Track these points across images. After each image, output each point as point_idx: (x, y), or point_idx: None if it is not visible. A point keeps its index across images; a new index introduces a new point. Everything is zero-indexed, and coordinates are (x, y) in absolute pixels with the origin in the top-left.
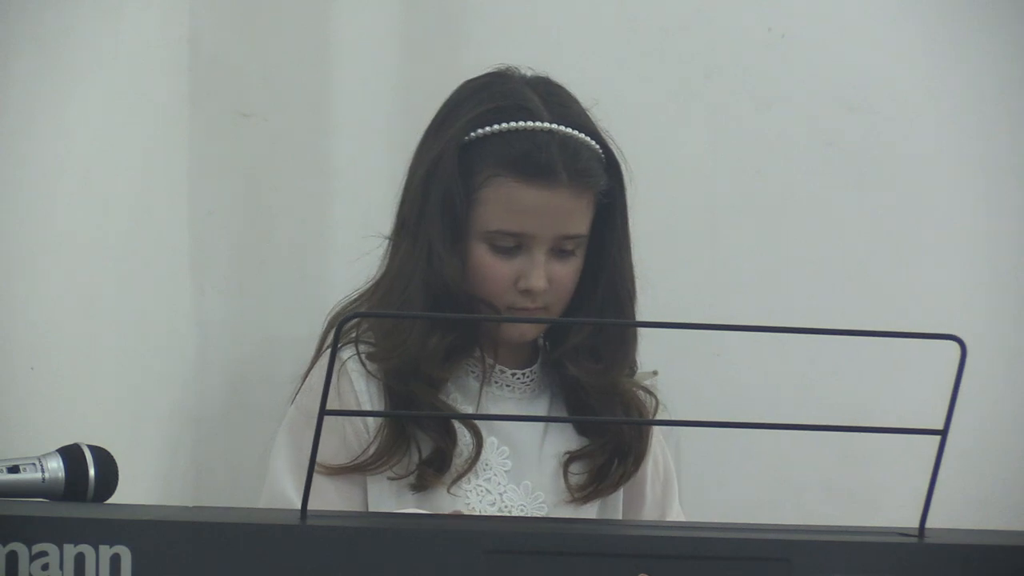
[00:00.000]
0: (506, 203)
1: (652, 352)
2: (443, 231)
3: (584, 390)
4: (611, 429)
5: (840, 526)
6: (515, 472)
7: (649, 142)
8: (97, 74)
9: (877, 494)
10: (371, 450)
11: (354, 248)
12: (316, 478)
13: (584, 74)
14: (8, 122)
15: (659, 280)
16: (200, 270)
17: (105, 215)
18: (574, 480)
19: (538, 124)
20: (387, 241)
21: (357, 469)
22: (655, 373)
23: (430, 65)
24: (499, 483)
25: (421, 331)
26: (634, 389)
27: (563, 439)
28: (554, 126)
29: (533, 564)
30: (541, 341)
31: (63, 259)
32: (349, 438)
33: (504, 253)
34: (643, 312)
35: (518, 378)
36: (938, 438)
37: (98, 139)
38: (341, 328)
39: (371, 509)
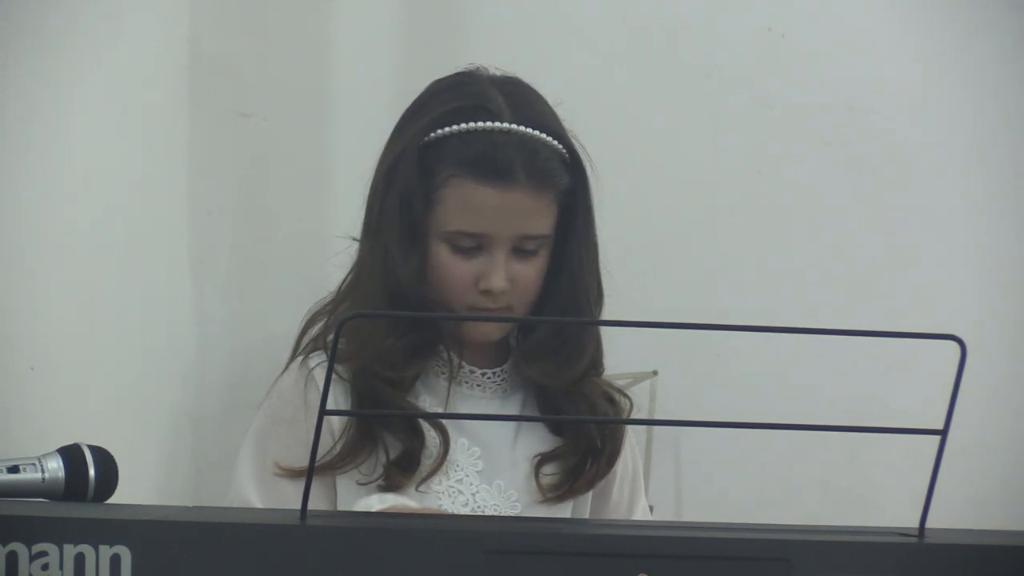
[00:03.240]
0: (464, 203)
1: (652, 352)
2: (400, 231)
3: (548, 392)
4: (583, 429)
5: (840, 526)
6: (487, 472)
7: (649, 142)
8: (97, 74)
9: (877, 494)
10: (336, 449)
11: (353, 248)
12: (278, 483)
13: (583, 74)
14: (8, 122)
15: (659, 280)
16: (200, 270)
17: (105, 215)
18: (546, 481)
19: (496, 124)
20: (357, 242)
21: (321, 470)
22: (655, 373)
23: (430, 65)
24: (471, 484)
25: (380, 332)
26: (603, 388)
27: (536, 439)
28: (513, 126)
29: (533, 564)
30: (512, 341)
31: (63, 259)
32: (311, 442)
33: (464, 253)
34: (643, 311)
35: (488, 377)
36: (938, 438)
37: (98, 139)
38: (341, 328)
39: (340, 510)
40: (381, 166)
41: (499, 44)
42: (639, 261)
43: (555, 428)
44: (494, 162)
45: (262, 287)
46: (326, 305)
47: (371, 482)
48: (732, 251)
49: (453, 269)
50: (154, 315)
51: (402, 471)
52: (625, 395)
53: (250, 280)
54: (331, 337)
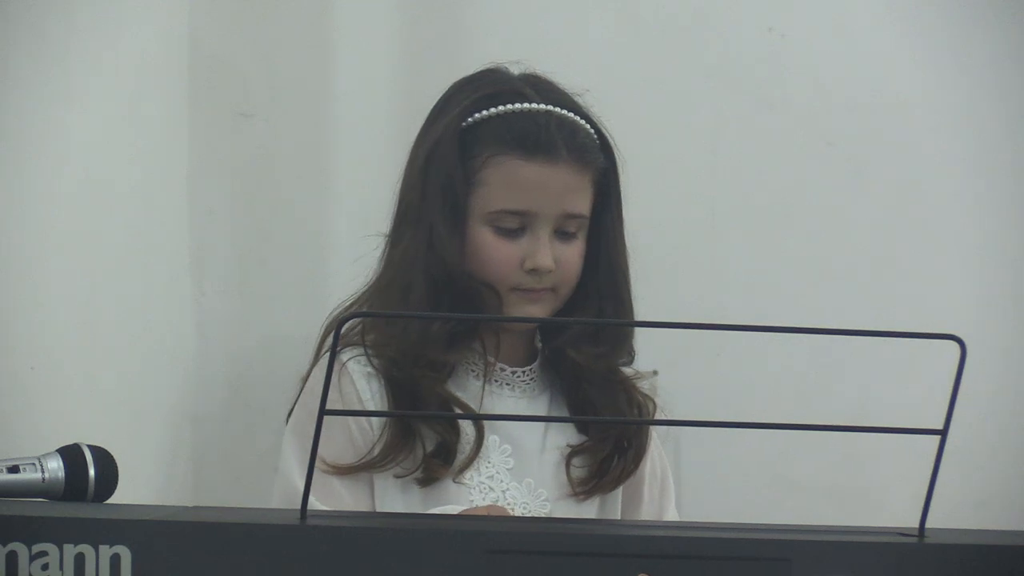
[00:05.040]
0: (509, 181)
1: (652, 352)
2: (444, 215)
3: (586, 381)
4: (610, 426)
5: (840, 526)
6: (517, 470)
7: (649, 142)
8: (97, 74)
9: (877, 494)
10: (376, 450)
11: (354, 248)
12: (327, 478)
13: (584, 74)
14: (8, 122)
15: (659, 280)
16: (200, 270)
17: (105, 215)
18: (576, 474)
19: (536, 105)
20: (385, 239)
21: (364, 468)
22: (655, 373)
23: (430, 65)
24: (502, 480)
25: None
26: (632, 387)
27: (564, 436)
28: (551, 107)
29: (533, 564)
30: (538, 342)
31: (63, 259)
32: (355, 436)
33: (508, 235)
34: (643, 311)
35: (518, 376)
36: (938, 438)
37: (98, 139)
38: (340, 329)
39: (378, 506)
40: (416, 160)
41: (498, 44)
42: (640, 261)
43: (582, 426)
44: (538, 139)
45: (262, 287)
46: (349, 306)
47: (409, 475)
48: (732, 251)
49: (498, 251)
50: (154, 315)
51: (441, 462)
52: (650, 397)
53: (250, 280)
54: (353, 334)
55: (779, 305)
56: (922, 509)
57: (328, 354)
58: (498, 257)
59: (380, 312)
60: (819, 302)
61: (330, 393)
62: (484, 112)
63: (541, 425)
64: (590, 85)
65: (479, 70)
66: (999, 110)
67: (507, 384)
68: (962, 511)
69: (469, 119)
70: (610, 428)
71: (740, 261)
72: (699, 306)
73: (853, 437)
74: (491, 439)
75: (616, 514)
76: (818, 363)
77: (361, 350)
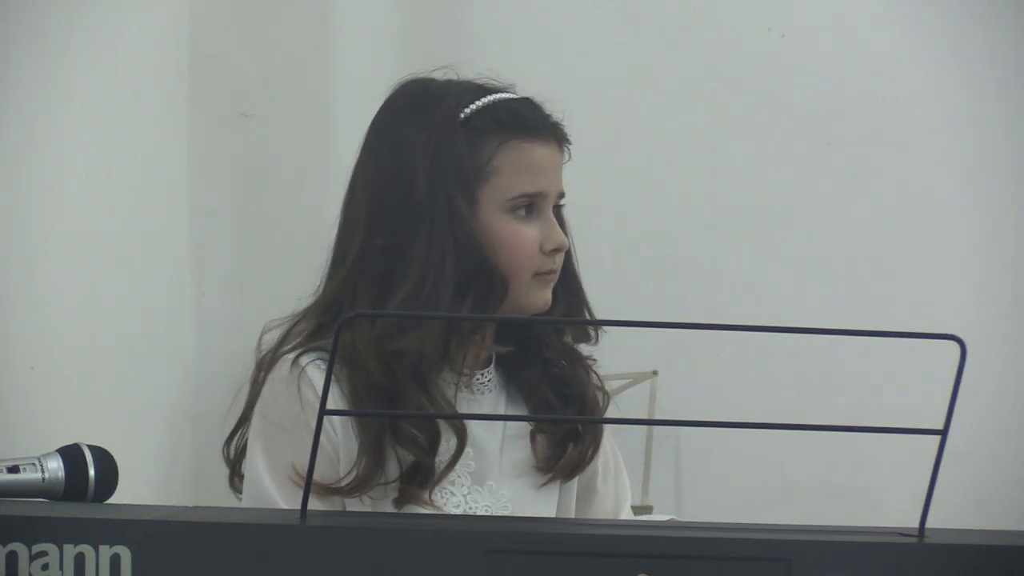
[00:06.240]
0: (522, 165)
1: (652, 352)
2: (465, 211)
3: (553, 366)
4: (566, 415)
5: (840, 526)
6: (478, 474)
7: (649, 142)
8: (97, 74)
9: (877, 494)
10: (345, 482)
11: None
12: (296, 489)
13: (584, 73)
14: (8, 122)
15: (659, 280)
16: (200, 270)
17: (105, 215)
18: (541, 450)
19: (512, 94)
20: (358, 249)
21: (336, 493)
22: (655, 373)
23: (430, 65)
24: (463, 485)
25: (433, 324)
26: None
27: (520, 435)
28: (522, 95)
29: (533, 564)
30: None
31: (63, 259)
32: (325, 447)
33: (524, 220)
34: (644, 311)
35: (478, 379)
36: (938, 438)
37: (98, 139)
38: (342, 328)
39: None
40: (408, 162)
41: (499, 44)
42: (639, 261)
43: (541, 411)
44: (536, 121)
45: (262, 287)
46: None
47: (385, 498)
48: (732, 251)
49: (522, 236)
50: (154, 315)
51: (418, 485)
52: (604, 391)
53: (250, 280)
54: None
55: (779, 305)
56: (922, 509)
57: (288, 358)
58: (523, 243)
59: (382, 312)
60: (820, 302)
61: (290, 405)
62: (479, 102)
63: (499, 428)
64: (591, 84)
65: (404, 83)
66: (999, 110)
67: (465, 387)
68: (962, 511)
69: (466, 110)
70: (568, 409)
71: (740, 261)
72: (699, 306)
73: (853, 437)
74: (452, 443)
75: (571, 510)
76: (818, 363)
77: (320, 355)
